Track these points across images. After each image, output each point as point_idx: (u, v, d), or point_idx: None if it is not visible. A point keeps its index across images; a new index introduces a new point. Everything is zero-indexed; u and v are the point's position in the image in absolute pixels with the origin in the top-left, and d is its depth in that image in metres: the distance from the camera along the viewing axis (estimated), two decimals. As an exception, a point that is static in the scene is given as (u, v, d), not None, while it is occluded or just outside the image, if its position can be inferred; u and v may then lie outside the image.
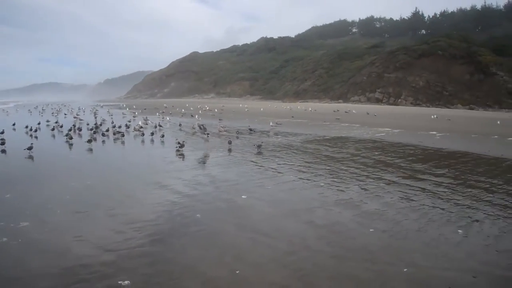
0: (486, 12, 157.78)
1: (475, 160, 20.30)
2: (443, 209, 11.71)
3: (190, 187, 13.97)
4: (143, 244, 8.99)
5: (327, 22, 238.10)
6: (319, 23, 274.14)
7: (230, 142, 24.30)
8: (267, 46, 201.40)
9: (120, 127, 33.33)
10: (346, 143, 25.88)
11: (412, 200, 12.62)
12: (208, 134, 28.74)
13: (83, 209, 11.42)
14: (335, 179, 15.27)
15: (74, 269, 7.80)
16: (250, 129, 33.32)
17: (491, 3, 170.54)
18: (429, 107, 79.74)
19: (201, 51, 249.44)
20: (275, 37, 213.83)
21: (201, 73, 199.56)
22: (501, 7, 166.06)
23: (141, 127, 33.16)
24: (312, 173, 16.48)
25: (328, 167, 17.71)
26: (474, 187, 14.35)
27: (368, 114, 55.66)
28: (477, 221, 10.72)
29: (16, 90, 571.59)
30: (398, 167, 17.87)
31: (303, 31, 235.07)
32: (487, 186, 14.58)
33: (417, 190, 13.76)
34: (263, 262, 8.19)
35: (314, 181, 15.04)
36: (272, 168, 17.51)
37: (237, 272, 7.74)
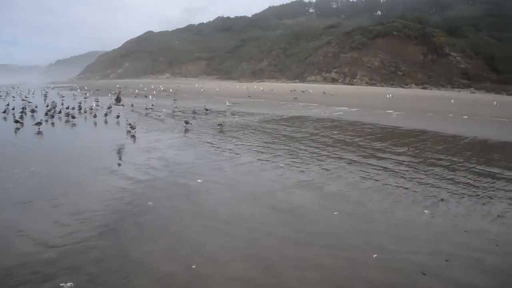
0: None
1: (433, 138, 20.24)
2: (406, 188, 11.35)
3: (141, 172, 12.93)
4: (89, 238, 7.99)
5: (284, 2, 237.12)
6: (276, 3, 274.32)
7: (187, 122, 23.30)
8: (224, 25, 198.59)
9: (73, 108, 31.06)
10: (305, 123, 25.35)
11: (375, 180, 12.20)
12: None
13: (26, 200, 10.20)
14: (295, 160, 14.66)
15: (14, 269, 6.77)
16: (206, 109, 32.34)
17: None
18: (383, 86, 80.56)
19: (156, 30, 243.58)
20: (232, 16, 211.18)
21: (156, 53, 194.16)
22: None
23: (92, 108, 31.66)
24: (271, 153, 15.79)
25: (287, 147, 17.07)
26: (436, 165, 14.12)
27: (324, 93, 55.38)
28: (442, 200, 10.40)
29: None
30: (357, 146, 17.48)
31: (260, 11, 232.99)
32: (448, 163, 14.42)
33: (379, 170, 13.39)
34: (222, 254, 7.41)
35: (274, 162, 14.35)
36: (229, 149, 16.65)
37: (193, 267, 6.91)
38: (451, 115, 30.70)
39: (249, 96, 50.26)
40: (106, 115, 27.55)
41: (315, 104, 39.30)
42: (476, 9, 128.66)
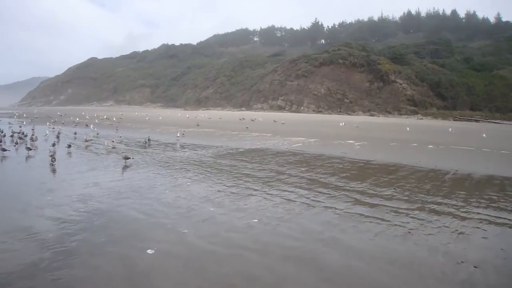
0: (383, 23, 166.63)
1: (413, 173, 17.62)
2: (431, 257, 8.29)
3: (68, 235, 9.07)
4: None
5: (229, 31, 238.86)
6: (221, 31, 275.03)
7: (127, 158, 19.50)
8: (168, 53, 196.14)
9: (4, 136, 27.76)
10: (265, 157, 22.01)
11: (385, 240, 9.09)
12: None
13: None
14: (269, 214, 11.12)
15: None
16: (148, 140, 28.65)
17: (388, 15, 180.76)
18: (330, 114, 79.86)
19: (100, 56, 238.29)
20: (177, 43, 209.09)
21: (99, 80, 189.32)
22: (397, 18, 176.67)
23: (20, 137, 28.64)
24: (236, 202, 12.29)
25: (254, 193, 13.55)
26: (440, 213, 11.25)
27: (275, 122, 53.10)
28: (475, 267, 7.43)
29: None
30: (336, 188, 14.36)
31: (205, 38, 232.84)
32: (452, 210, 11.65)
33: (380, 223, 10.28)
34: None
35: (242, 216, 10.82)
36: (184, 197, 12.88)
37: None
38: (415, 144, 28.71)
39: (198, 125, 46.59)
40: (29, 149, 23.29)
41: (269, 134, 36.25)
42: (416, 37, 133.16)
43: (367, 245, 8.86)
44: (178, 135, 32.63)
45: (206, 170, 17.72)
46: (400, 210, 11.52)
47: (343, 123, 49.12)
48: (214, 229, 9.79)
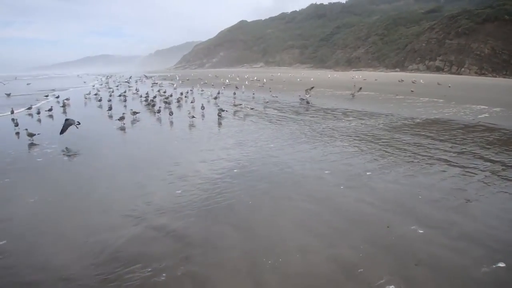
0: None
1: None
2: None
3: None
4: None
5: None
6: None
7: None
8: (317, 12, 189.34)
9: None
10: (454, 133, 17.14)
11: None
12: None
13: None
14: None
15: None
16: (303, 99, 25.64)
17: None
18: (495, 77, 69.11)
19: (249, 19, 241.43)
20: (325, 3, 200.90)
21: (249, 42, 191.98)
22: None
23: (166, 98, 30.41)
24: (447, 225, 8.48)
25: (471, 203, 9.39)
26: None
27: (439, 84, 46.26)
28: None
29: (71, 63, 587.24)
30: None
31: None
32: None
33: None
34: None
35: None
36: (367, 201, 9.43)
37: None
38: None
39: (361, 88, 38.82)
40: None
41: (440, 100, 30.58)
42: None
43: None
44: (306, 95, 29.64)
45: (386, 151, 13.79)
46: None
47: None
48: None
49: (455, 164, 12.00)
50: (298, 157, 12.85)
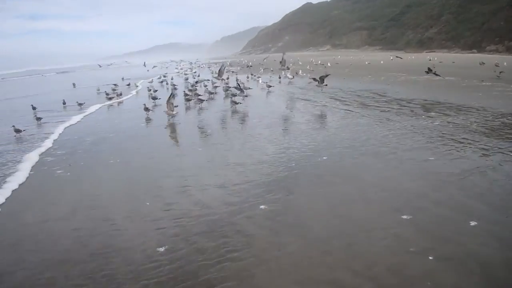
0: None
1: None
2: None
3: None
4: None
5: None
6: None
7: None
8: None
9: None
10: None
11: None
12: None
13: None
14: None
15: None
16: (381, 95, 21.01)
17: None
18: None
19: (314, 1, 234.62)
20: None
21: (315, 25, 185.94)
22: None
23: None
24: None
25: None
26: None
27: (530, 67, 39.45)
28: None
29: (139, 52, 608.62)
30: None
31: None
32: None
33: None
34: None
35: None
36: None
37: None
38: None
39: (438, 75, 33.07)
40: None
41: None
42: None
43: None
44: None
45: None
46: None
47: None
48: None
49: None
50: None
